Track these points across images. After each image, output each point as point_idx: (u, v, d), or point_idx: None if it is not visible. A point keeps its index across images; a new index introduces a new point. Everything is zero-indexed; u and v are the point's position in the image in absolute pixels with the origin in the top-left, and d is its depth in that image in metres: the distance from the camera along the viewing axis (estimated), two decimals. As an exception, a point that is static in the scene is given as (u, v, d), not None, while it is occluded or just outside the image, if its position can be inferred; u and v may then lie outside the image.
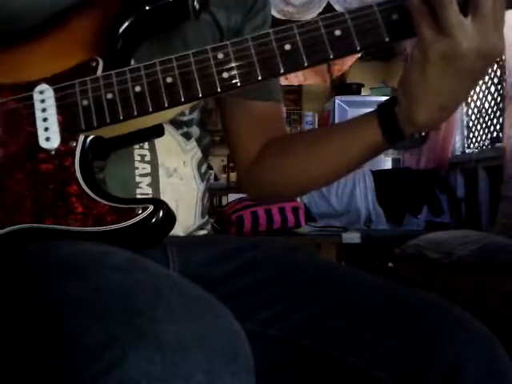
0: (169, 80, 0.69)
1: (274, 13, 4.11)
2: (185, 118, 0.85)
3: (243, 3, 0.90)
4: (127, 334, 0.46)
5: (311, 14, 4.43)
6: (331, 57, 0.70)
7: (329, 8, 4.46)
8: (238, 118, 0.92)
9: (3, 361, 0.55)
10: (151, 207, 0.68)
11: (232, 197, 2.91)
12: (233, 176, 4.49)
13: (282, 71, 0.70)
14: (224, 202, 3.92)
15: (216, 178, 5.43)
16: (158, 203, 0.69)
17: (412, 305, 0.71)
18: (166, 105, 0.70)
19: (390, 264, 3.45)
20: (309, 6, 4.37)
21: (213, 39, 0.87)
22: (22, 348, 0.53)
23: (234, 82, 0.70)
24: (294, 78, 6.13)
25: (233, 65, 0.69)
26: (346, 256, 3.02)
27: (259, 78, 0.70)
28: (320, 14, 4.48)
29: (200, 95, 0.70)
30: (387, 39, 0.70)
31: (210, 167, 0.94)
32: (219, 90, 0.70)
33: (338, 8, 4.48)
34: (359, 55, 5.67)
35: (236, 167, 0.96)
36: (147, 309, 0.48)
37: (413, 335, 0.68)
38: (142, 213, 0.67)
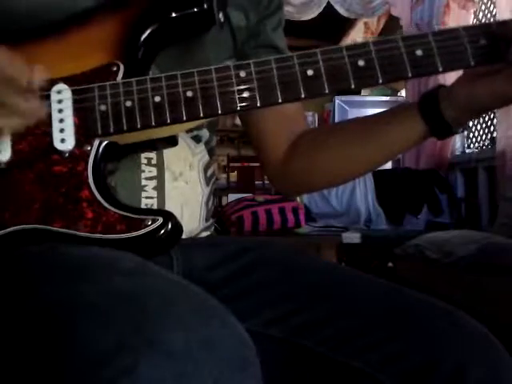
0: (189, 94, 0.69)
1: (274, 13, 4.10)
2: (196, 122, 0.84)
3: (258, 2, 0.90)
4: (137, 341, 0.46)
5: (311, 14, 4.43)
6: (352, 86, 0.70)
7: (329, 8, 4.46)
8: (263, 118, 0.92)
9: (12, 362, 0.55)
10: (160, 219, 0.67)
11: (232, 197, 2.91)
12: (233, 176, 4.48)
13: (302, 96, 0.70)
14: (224, 202, 3.92)
15: (216, 178, 5.42)
16: (167, 215, 0.68)
17: (414, 309, 0.71)
18: (185, 118, 0.69)
19: (390, 264, 3.45)
20: (308, 6, 4.37)
21: (228, 44, 0.87)
22: (31, 350, 0.53)
23: (253, 102, 0.70)
24: (294, 78, 6.12)
25: (254, 85, 0.69)
26: (346, 256, 3.02)
27: (279, 100, 0.70)
28: (320, 14, 4.48)
29: (219, 112, 0.69)
30: (410, 75, 0.70)
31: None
32: (238, 108, 0.70)
33: (339, 8, 4.48)
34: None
35: (263, 166, 0.97)
36: (157, 315, 0.48)
37: (415, 339, 0.68)
38: (151, 224, 0.67)
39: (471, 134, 4.26)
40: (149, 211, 0.73)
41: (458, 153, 4.26)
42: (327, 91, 0.70)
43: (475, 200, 3.80)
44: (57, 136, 0.68)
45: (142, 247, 0.67)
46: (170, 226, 0.68)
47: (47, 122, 0.68)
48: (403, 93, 5.00)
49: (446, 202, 3.96)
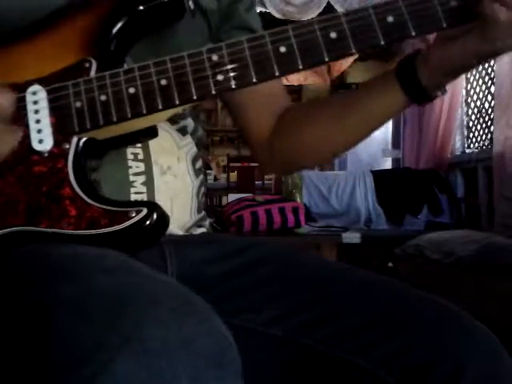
0: (163, 82, 0.68)
1: (274, 13, 4.11)
2: (173, 110, 0.84)
3: None
4: (115, 338, 0.47)
5: (311, 14, 4.42)
6: (326, 60, 0.70)
7: (329, 8, 4.46)
8: (243, 98, 0.91)
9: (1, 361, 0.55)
10: (145, 210, 0.67)
11: (232, 197, 2.91)
12: (233, 176, 4.48)
13: (276, 74, 0.69)
14: (224, 201, 3.92)
15: (216, 178, 5.43)
16: (152, 206, 0.68)
17: (415, 306, 0.71)
18: (160, 107, 0.69)
19: (390, 264, 3.45)
20: (309, 6, 4.37)
21: (203, 29, 0.87)
22: (12, 349, 0.53)
23: (228, 84, 0.69)
24: (294, 78, 6.13)
25: (228, 67, 0.69)
26: (346, 256, 3.02)
27: (254, 80, 0.69)
28: (320, 14, 4.48)
29: (194, 97, 0.69)
30: (382, 42, 0.69)
31: (208, 167, 0.94)
32: (213, 92, 0.69)
33: (339, 8, 4.47)
34: (357, 55, 5.67)
35: (251, 147, 0.96)
36: (135, 313, 0.49)
37: (415, 337, 0.68)
38: (135, 216, 0.67)
39: (471, 134, 4.26)
40: (133, 203, 0.72)
41: (458, 153, 4.27)
42: (301, 67, 0.70)
43: (475, 200, 3.80)
44: (34, 137, 0.68)
45: (129, 240, 0.67)
46: (155, 217, 0.67)
47: (24, 123, 0.68)
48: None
49: (445, 202, 3.96)
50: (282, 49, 0.69)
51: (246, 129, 0.95)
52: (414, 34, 0.70)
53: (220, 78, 0.69)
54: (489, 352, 0.66)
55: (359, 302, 0.72)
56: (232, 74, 0.69)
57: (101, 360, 0.46)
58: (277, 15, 4.12)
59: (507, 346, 0.68)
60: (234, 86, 0.69)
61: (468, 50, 0.71)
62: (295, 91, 6.53)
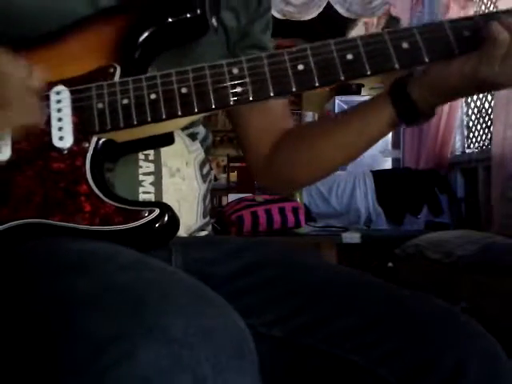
0: (184, 90, 0.71)
1: (274, 13, 4.11)
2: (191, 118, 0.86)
3: (248, 4, 0.92)
4: (136, 328, 0.47)
5: (311, 14, 4.43)
6: (342, 79, 0.73)
7: (329, 8, 4.46)
8: (248, 117, 0.95)
9: (13, 353, 0.56)
10: (157, 210, 0.70)
11: (232, 197, 2.91)
12: (233, 176, 4.48)
13: (293, 90, 0.73)
14: (224, 202, 3.92)
15: (216, 178, 5.43)
16: (164, 207, 0.71)
17: (414, 307, 0.72)
18: (180, 113, 0.72)
19: (390, 264, 3.45)
20: (309, 6, 4.37)
21: (223, 45, 0.90)
22: (31, 341, 0.54)
23: (246, 96, 0.72)
24: (294, 78, 6.12)
25: (246, 80, 0.72)
26: (345, 256, 3.02)
27: (271, 94, 0.73)
28: (320, 14, 4.49)
29: (213, 107, 0.72)
30: (397, 66, 0.73)
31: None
32: (231, 103, 0.72)
33: (339, 8, 4.48)
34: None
35: (248, 163, 0.99)
36: (155, 304, 0.50)
37: (414, 337, 0.68)
38: (148, 215, 0.69)
39: (471, 134, 4.26)
40: (146, 203, 0.75)
41: (458, 153, 4.26)
42: (317, 85, 0.73)
43: (475, 200, 3.80)
44: (55, 134, 0.71)
45: (140, 238, 0.70)
46: (166, 218, 0.70)
47: (46, 121, 0.71)
48: (403, 93, 5.01)
49: (446, 202, 3.96)
50: (300, 66, 0.72)
51: (246, 146, 0.98)
52: (427, 60, 0.73)
53: (239, 90, 0.72)
54: (488, 350, 0.67)
55: (359, 303, 0.73)
56: (250, 87, 0.72)
57: (122, 349, 0.46)
58: (277, 15, 4.12)
59: (507, 346, 0.69)
60: (251, 98, 0.73)
61: (465, 72, 0.73)
62: (295, 93, 6.54)
